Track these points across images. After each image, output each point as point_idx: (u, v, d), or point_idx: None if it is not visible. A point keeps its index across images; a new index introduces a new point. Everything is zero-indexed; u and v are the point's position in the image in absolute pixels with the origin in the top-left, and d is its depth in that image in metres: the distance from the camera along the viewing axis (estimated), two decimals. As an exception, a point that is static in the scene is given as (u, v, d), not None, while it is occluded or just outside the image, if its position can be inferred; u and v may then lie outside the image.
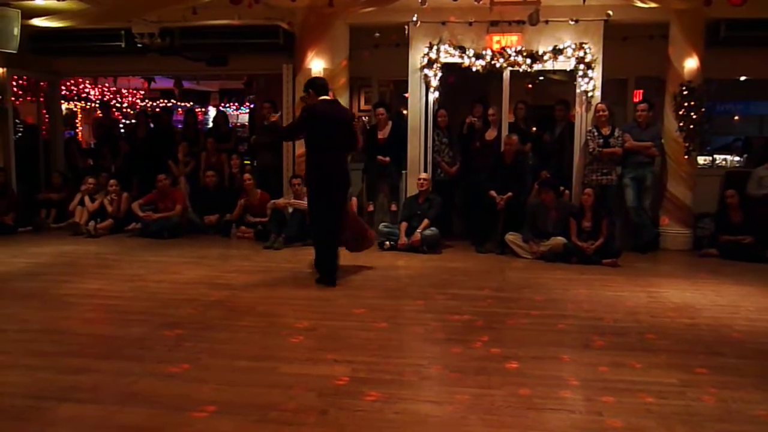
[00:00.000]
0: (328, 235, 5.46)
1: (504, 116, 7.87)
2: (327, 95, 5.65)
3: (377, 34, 8.00)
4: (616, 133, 7.38)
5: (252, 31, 8.01)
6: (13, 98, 9.29)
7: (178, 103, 13.95)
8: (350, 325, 4.24)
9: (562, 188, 7.47)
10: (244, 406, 2.88)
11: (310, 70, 7.93)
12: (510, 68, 7.68)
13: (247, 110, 13.79)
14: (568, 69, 7.73)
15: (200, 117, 12.90)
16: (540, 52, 7.59)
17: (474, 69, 7.67)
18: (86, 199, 8.39)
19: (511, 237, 7.04)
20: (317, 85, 5.59)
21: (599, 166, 7.37)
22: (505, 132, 7.73)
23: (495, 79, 7.98)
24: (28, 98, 11.00)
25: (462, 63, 7.70)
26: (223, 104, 14.73)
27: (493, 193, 7.23)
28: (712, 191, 7.79)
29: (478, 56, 7.62)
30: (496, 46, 7.65)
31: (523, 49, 7.59)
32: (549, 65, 7.68)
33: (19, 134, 9.59)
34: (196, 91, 14.55)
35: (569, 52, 7.50)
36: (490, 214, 7.30)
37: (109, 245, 7.45)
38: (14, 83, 9.43)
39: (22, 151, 9.34)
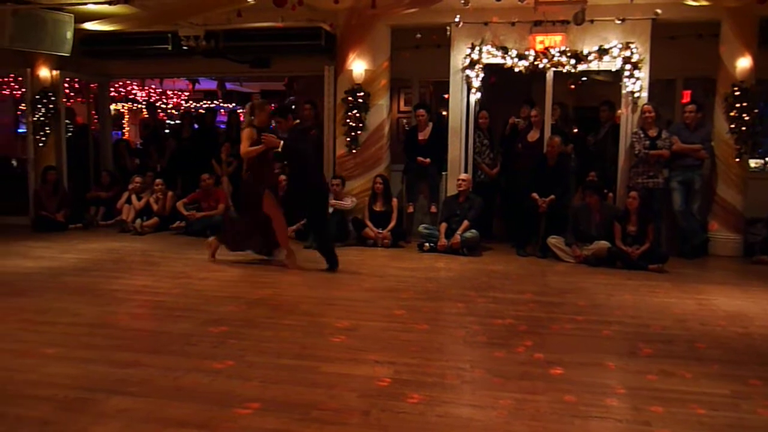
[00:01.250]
0: None
1: (546, 118, 7.77)
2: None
3: (418, 35, 7.98)
4: (663, 135, 7.20)
5: (294, 33, 8.08)
6: (64, 99, 9.58)
7: (221, 104, 14.20)
8: (391, 326, 4.24)
9: (606, 191, 7.34)
10: (288, 404, 2.91)
11: (351, 71, 7.98)
12: (553, 69, 7.58)
13: (288, 111, 13.92)
14: (613, 69, 7.58)
15: (242, 118, 13.07)
16: (585, 53, 7.45)
17: (516, 70, 7.58)
18: (133, 197, 8.61)
19: (553, 240, 6.95)
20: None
21: (645, 168, 7.20)
22: (547, 134, 7.63)
23: (537, 79, 7.89)
24: (79, 99, 11.37)
25: (504, 64, 7.62)
26: (264, 105, 14.90)
27: (535, 195, 7.14)
28: (764, 195, 7.52)
29: (521, 57, 7.54)
30: (539, 47, 7.55)
31: (567, 49, 7.48)
32: (594, 66, 7.54)
33: (70, 134, 9.88)
34: (238, 92, 14.77)
35: (615, 52, 7.35)
36: (532, 217, 7.22)
37: (155, 243, 7.62)
38: (66, 85, 9.73)
39: (73, 151, 9.63)
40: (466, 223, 7.12)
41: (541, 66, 7.53)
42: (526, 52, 7.52)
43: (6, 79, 10.51)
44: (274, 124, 6.60)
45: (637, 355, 3.73)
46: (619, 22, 7.34)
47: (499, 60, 7.63)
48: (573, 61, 7.47)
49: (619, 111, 7.75)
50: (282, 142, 6.01)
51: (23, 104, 10.18)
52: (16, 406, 2.85)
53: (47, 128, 9.12)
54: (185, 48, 8.35)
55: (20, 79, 9.63)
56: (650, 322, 4.44)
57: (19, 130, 12.21)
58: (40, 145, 9.14)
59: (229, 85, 13.43)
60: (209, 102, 14.11)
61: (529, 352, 3.73)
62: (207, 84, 13.41)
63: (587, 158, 7.92)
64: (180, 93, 14.40)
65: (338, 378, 3.24)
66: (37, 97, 9.05)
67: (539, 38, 7.56)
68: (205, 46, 8.21)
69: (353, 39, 7.92)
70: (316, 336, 4.01)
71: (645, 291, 5.47)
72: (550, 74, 7.63)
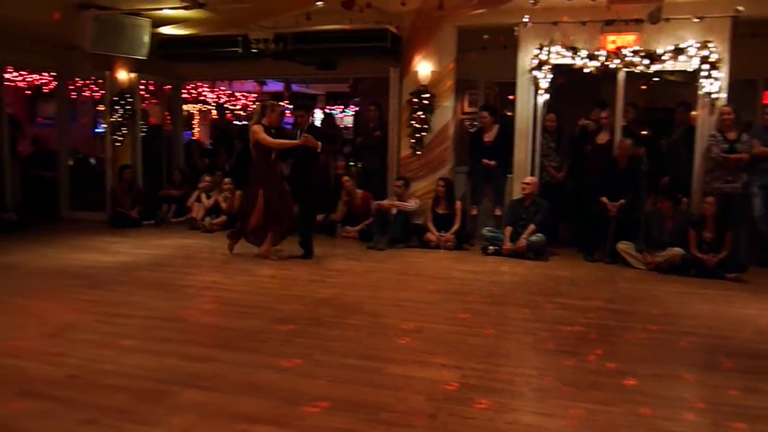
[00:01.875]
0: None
1: (617, 119, 7.54)
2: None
3: (485, 36, 7.90)
4: (743, 138, 6.86)
5: (361, 35, 8.13)
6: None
7: (287, 106, 14.44)
8: (456, 330, 4.20)
9: (679, 196, 7.06)
10: (355, 404, 2.92)
11: (416, 72, 7.98)
12: (625, 69, 7.34)
13: (352, 112, 14.07)
14: (689, 69, 7.28)
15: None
16: (659, 52, 7.18)
17: (586, 71, 7.39)
18: (203, 196, 8.88)
19: (623, 246, 6.73)
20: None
21: (723, 173, 6.87)
22: (618, 136, 7.40)
23: (606, 80, 7.67)
24: (153, 101, 11.81)
25: (574, 64, 7.44)
26: (329, 107, 15.11)
27: (604, 199, 6.94)
28: None
29: (592, 57, 7.34)
30: (611, 47, 7.32)
31: (641, 49, 7.23)
32: (669, 66, 7.26)
33: (144, 134, 10.27)
34: (304, 94, 15.00)
35: (692, 51, 7.05)
36: (601, 221, 7.01)
37: (223, 240, 7.78)
38: (141, 87, 10.13)
39: (146, 150, 10.02)
40: (532, 226, 7.00)
41: (612, 66, 7.31)
42: (597, 53, 7.31)
43: (87, 82, 11.00)
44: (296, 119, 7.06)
45: (717, 369, 3.56)
46: (697, 20, 7.03)
47: (568, 60, 7.46)
48: (646, 62, 7.21)
49: (695, 113, 7.44)
50: (320, 143, 6.55)
51: (101, 105, 10.67)
52: (96, 395, 2.97)
53: (124, 128, 9.52)
54: (255, 51, 8.55)
55: (100, 81, 10.08)
56: (730, 334, 4.24)
57: (97, 130, 12.81)
58: (117, 144, 9.54)
59: (295, 87, 13.67)
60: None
61: (600, 361, 3.62)
62: (274, 86, 13.70)
63: (659, 161, 7.64)
64: (248, 95, 14.75)
65: (404, 380, 3.23)
66: (115, 98, 9.46)
67: (611, 38, 7.34)
68: (273, 48, 8.38)
69: (419, 40, 7.91)
70: (382, 337, 4.02)
71: (722, 301, 5.23)
72: (621, 75, 7.40)
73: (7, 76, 9.60)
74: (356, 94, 12.86)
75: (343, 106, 15.14)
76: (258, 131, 6.47)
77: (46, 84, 11.48)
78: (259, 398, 2.97)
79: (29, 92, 11.96)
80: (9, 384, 3.07)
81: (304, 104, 7.13)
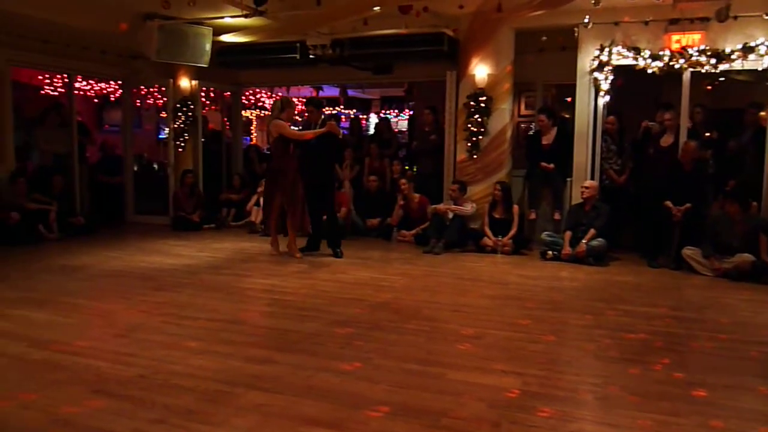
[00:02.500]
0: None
1: (682, 121, 7.29)
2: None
3: (544, 38, 7.78)
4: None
5: (418, 39, 8.15)
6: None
7: (342, 111, 14.60)
8: (516, 336, 4.14)
9: (749, 200, 6.76)
10: (416, 410, 2.91)
11: (473, 76, 7.92)
12: (691, 69, 7.10)
13: (407, 117, 14.10)
14: (759, 69, 6.97)
15: (362, 123, 13.39)
16: (727, 51, 6.91)
17: (649, 71, 7.18)
18: (261, 200, 9.03)
19: (688, 251, 6.50)
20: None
21: (797, 176, 6.57)
22: (683, 138, 7.16)
23: (669, 81, 7.43)
24: (213, 107, 12.13)
25: (636, 65, 7.24)
26: (384, 111, 15.19)
27: (668, 203, 6.73)
28: None
29: (655, 57, 7.12)
30: (675, 46, 7.10)
31: (707, 48, 6.97)
32: (737, 65, 6.97)
33: (203, 140, 10.56)
34: (359, 98, 15.12)
35: (762, 49, 6.75)
36: (665, 226, 6.79)
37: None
38: (202, 94, 10.42)
39: (206, 156, 10.29)
40: (592, 231, 6.84)
41: (677, 66, 7.08)
42: (661, 53, 7.10)
43: (151, 89, 11.40)
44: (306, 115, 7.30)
45: (794, 382, 3.39)
46: (768, 17, 6.75)
47: (630, 61, 7.27)
48: (713, 61, 6.95)
49: (765, 113, 7.12)
50: (341, 131, 6.95)
51: (164, 112, 11.03)
52: (163, 395, 3.06)
53: (186, 134, 9.81)
54: (312, 56, 8.68)
55: (163, 89, 10.43)
56: (807, 346, 4.03)
57: (160, 136, 13.24)
58: (180, 150, 9.84)
59: (350, 92, 13.79)
60: (331, 108, 14.55)
61: (667, 371, 3.50)
62: (330, 91, 13.86)
63: (727, 164, 7.34)
64: (304, 100, 14.94)
65: (465, 386, 3.20)
66: (178, 105, 9.76)
67: (675, 37, 7.11)
68: (330, 54, 8.49)
69: (477, 43, 7.86)
70: (441, 342, 4.00)
71: (798, 311, 4.99)
72: (686, 75, 7.16)
73: (76, 85, 10.02)
74: (411, 98, 12.89)
75: (397, 111, 15.20)
76: (283, 125, 6.74)
77: (112, 92, 11.96)
78: (320, 401, 3.00)
79: (97, 100, 12.47)
80: (84, 383, 3.19)
81: (315, 102, 7.39)
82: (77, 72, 9.53)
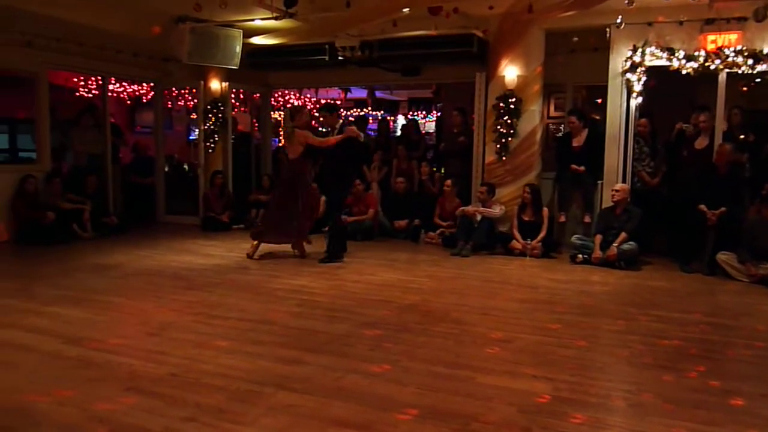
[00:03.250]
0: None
1: (717, 123, 7.13)
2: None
3: (575, 39, 7.68)
4: None
5: (447, 40, 8.12)
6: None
7: (370, 112, 14.62)
8: (546, 341, 4.09)
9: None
10: (445, 414, 2.89)
11: (503, 77, 7.86)
12: (727, 70, 6.94)
13: (434, 118, 14.06)
14: (800, 70, 6.80)
15: (390, 125, 13.40)
16: (765, 52, 6.75)
17: (684, 72, 7.05)
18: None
19: (723, 257, 6.35)
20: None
21: (838, 179, 6.38)
22: (718, 141, 7.00)
23: (703, 82, 7.27)
24: (242, 109, 12.25)
25: (670, 66, 7.11)
26: (411, 113, 15.17)
27: (703, 207, 6.59)
28: None
29: (690, 58, 6.99)
30: (711, 47, 6.95)
31: (744, 48, 6.82)
32: (776, 65, 6.81)
33: (232, 141, 10.66)
34: (387, 100, 15.13)
35: (802, 50, 6.59)
36: (699, 230, 6.65)
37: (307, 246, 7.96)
38: (232, 95, 10.52)
39: (235, 156, 10.39)
40: (624, 234, 6.73)
41: (712, 67, 6.93)
42: (696, 53, 6.96)
43: (182, 91, 11.55)
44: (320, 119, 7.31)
45: (836, 392, 3.29)
46: (809, 16, 6.56)
47: (664, 62, 7.14)
48: (750, 62, 6.79)
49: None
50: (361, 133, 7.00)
51: (194, 113, 11.17)
52: (195, 393, 3.09)
53: (216, 136, 9.92)
54: (341, 58, 8.71)
55: (194, 91, 10.56)
56: None
57: (190, 137, 13.41)
58: (210, 151, 9.95)
59: (378, 94, 13.81)
60: (359, 110, 14.59)
61: (702, 378, 3.42)
62: (358, 92, 13.90)
63: (764, 167, 7.16)
64: (332, 101, 15.01)
65: (495, 390, 3.18)
66: (208, 107, 9.87)
67: (711, 37, 6.97)
68: (359, 56, 8.50)
69: (506, 44, 7.80)
70: (470, 345, 3.97)
71: (839, 318, 4.84)
72: (722, 76, 7.00)
73: (110, 87, 10.20)
74: (439, 100, 12.86)
75: (425, 112, 15.17)
76: (307, 134, 6.80)
77: (144, 94, 12.15)
78: (350, 403, 3.00)
79: (130, 102, 12.69)
80: (117, 380, 3.25)
81: (327, 107, 7.35)
82: (111, 74, 9.70)
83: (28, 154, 10.46)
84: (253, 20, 7.67)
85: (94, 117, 9.35)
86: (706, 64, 6.93)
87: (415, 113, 15.00)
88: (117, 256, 7.00)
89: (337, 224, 7.06)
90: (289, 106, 9.39)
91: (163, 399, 3.01)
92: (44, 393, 3.06)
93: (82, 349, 3.73)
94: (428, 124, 14.72)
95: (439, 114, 12.99)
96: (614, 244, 6.73)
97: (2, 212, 7.92)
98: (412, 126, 10.72)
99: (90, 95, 11.19)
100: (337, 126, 7.01)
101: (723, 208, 6.52)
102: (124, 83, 11.70)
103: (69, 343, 3.84)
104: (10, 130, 11.41)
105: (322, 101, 12.76)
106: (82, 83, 11.22)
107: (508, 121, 7.81)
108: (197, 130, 10.51)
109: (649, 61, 7.19)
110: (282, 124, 7.28)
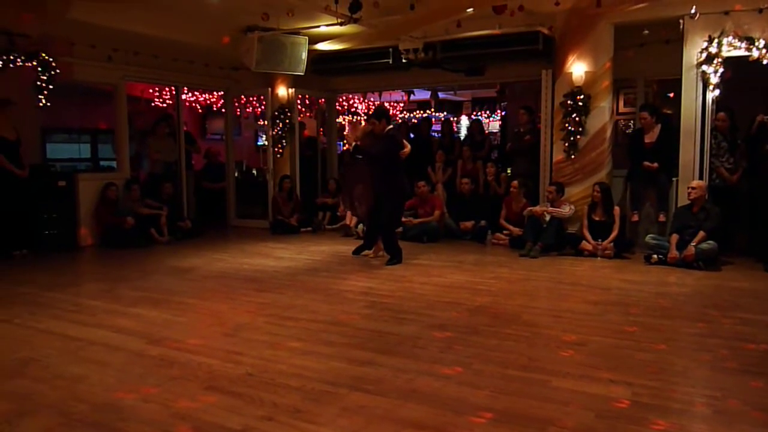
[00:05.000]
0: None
1: (804, 114, 6.76)
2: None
3: (646, 32, 7.43)
4: None
5: (511, 38, 8.00)
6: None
7: (434, 114, 14.60)
8: (623, 344, 3.97)
9: None
10: (521, 417, 2.86)
11: (570, 74, 7.69)
12: (813, 58, 6.56)
13: (499, 118, 13.91)
14: None
15: (453, 126, 13.33)
16: None
17: (765, 62, 6.69)
18: (356, 203, 9.19)
19: (812, 255, 6.01)
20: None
21: None
22: (805, 133, 6.63)
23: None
24: (308, 114, 12.48)
25: (750, 56, 6.77)
26: (475, 113, 15.06)
27: (789, 203, 6.25)
28: None
29: (772, 47, 6.64)
30: (794, 34, 6.59)
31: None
32: None
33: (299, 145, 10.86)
34: (450, 101, 15.07)
35: None
36: (785, 228, 6.32)
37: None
38: (298, 101, 10.74)
39: (302, 161, 10.59)
40: (702, 233, 6.46)
41: (796, 56, 6.56)
42: (778, 42, 6.61)
43: (250, 98, 11.88)
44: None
45: None
46: None
47: (742, 52, 6.80)
48: (838, 47, 6.40)
49: None
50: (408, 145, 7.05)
51: (261, 119, 11.45)
52: (271, 393, 3.17)
53: (284, 141, 10.14)
54: (404, 61, 8.73)
55: (261, 98, 10.83)
56: None
57: (258, 143, 13.76)
58: (278, 156, 10.18)
59: (441, 95, 13.76)
60: (422, 111, 14.59)
61: (794, 385, 3.25)
62: (421, 94, 13.91)
63: None
64: (396, 104, 15.10)
65: (571, 394, 3.11)
66: (276, 113, 10.10)
67: (794, 24, 6.60)
68: (423, 57, 8.49)
69: (574, 40, 7.63)
70: (542, 348, 3.90)
71: None
72: (809, 64, 6.62)
73: (183, 96, 10.59)
74: (503, 99, 12.70)
75: (488, 111, 15.03)
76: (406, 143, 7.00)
77: (214, 102, 12.57)
78: (423, 405, 3.00)
79: (201, 110, 13.15)
80: (197, 379, 3.37)
81: (378, 113, 7.08)
82: (184, 84, 10.08)
83: (108, 162, 11.01)
84: (318, 27, 7.80)
85: (169, 126, 9.73)
86: (790, 53, 6.56)
87: (479, 113, 14.88)
88: (192, 259, 7.26)
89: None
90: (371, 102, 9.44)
91: (240, 398, 3.10)
92: (130, 390, 3.21)
93: (164, 349, 3.89)
94: (491, 123, 14.57)
95: (503, 113, 12.84)
96: (692, 244, 6.46)
97: (86, 218, 8.36)
98: (476, 126, 10.64)
99: (164, 105, 11.67)
100: (386, 131, 6.94)
101: (811, 205, 6.17)
102: (196, 92, 12.13)
103: (152, 343, 4.01)
104: (92, 140, 12.06)
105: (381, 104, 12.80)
106: (157, 93, 11.72)
107: (577, 118, 7.63)
108: (265, 135, 10.77)
109: (727, 52, 6.86)
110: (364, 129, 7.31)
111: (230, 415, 2.91)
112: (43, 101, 7.65)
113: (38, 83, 7.57)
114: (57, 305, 5.08)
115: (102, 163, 11.70)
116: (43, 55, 7.56)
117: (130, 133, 9.15)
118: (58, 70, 7.68)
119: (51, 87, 7.65)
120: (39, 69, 7.55)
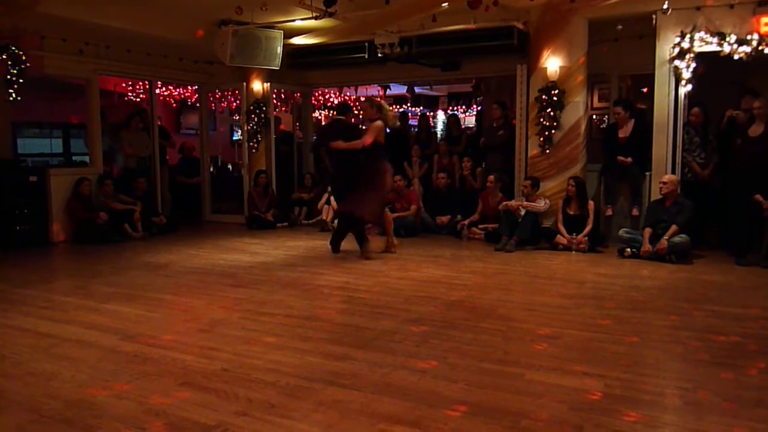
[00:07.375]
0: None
1: (773, 110, 6.87)
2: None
3: (619, 27, 7.51)
4: None
5: (487, 33, 8.04)
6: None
7: (410, 108, 14.59)
8: (596, 337, 4.02)
9: None
10: (495, 410, 2.87)
11: (545, 69, 7.74)
12: (783, 53, 6.68)
13: (474, 112, 13.96)
14: None
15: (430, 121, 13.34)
16: (823, 33, 6.47)
17: (736, 57, 6.80)
18: (332, 199, 9.15)
19: (781, 248, 6.14)
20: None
21: None
22: (774, 128, 6.75)
23: (756, 67, 7.01)
24: (283, 109, 12.40)
25: (721, 51, 6.87)
26: (451, 107, 15.09)
27: (759, 197, 6.36)
28: None
29: (742, 42, 6.73)
30: (765, 29, 6.69)
31: (801, 29, 6.55)
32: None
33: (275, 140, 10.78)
34: (426, 95, 15.08)
35: None
36: (755, 222, 6.43)
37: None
38: (273, 95, 10.66)
39: (278, 155, 10.52)
40: (674, 227, 6.56)
41: (767, 51, 6.67)
42: (749, 37, 6.71)
43: (225, 93, 11.76)
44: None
45: None
46: None
47: (714, 48, 6.90)
48: (807, 43, 6.52)
49: None
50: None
51: (236, 114, 11.35)
52: (246, 388, 3.15)
53: (259, 135, 10.06)
54: (380, 55, 8.71)
55: (236, 92, 10.73)
56: None
57: (234, 138, 13.65)
58: (253, 151, 10.10)
59: (417, 89, 13.77)
60: (398, 106, 14.57)
61: (763, 376, 3.31)
62: (397, 89, 13.90)
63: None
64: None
65: (545, 387, 3.14)
66: (251, 107, 10.02)
67: (765, 20, 6.70)
68: (399, 52, 8.49)
69: (548, 35, 7.67)
70: (517, 342, 3.93)
71: None
72: (778, 60, 6.74)
73: (156, 91, 10.45)
74: (478, 94, 12.75)
75: (464, 106, 15.07)
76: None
77: (189, 97, 12.42)
78: (398, 399, 3.00)
79: (175, 105, 12.99)
80: (171, 375, 3.33)
81: (371, 100, 7.28)
82: (157, 78, 9.94)
83: (81, 157, 10.82)
84: (293, 21, 7.75)
85: (143, 120, 9.60)
86: (760, 48, 6.66)
87: (455, 108, 14.92)
88: (166, 254, 7.18)
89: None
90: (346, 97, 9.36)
91: (215, 394, 3.07)
92: (103, 387, 3.16)
93: (138, 345, 3.84)
94: (467, 118, 14.61)
95: (479, 108, 12.89)
96: (665, 237, 6.56)
97: (59, 214, 8.21)
98: (453, 122, 10.66)
99: (138, 99, 11.50)
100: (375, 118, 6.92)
101: (780, 199, 6.29)
102: (170, 86, 11.97)
103: (125, 339, 3.96)
104: (64, 135, 11.84)
105: (362, 98, 12.77)
106: (131, 88, 11.54)
107: (551, 113, 7.69)
108: (240, 130, 10.68)
109: (699, 47, 6.96)
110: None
111: (205, 411, 2.88)
112: (14, 95, 7.49)
113: (8, 77, 7.41)
114: (29, 302, 4.99)
115: (74, 158, 11.50)
116: (13, 48, 7.40)
117: (102, 128, 9.00)
118: (28, 64, 7.53)
119: (21, 81, 7.50)
120: (9, 62, 7.39)
